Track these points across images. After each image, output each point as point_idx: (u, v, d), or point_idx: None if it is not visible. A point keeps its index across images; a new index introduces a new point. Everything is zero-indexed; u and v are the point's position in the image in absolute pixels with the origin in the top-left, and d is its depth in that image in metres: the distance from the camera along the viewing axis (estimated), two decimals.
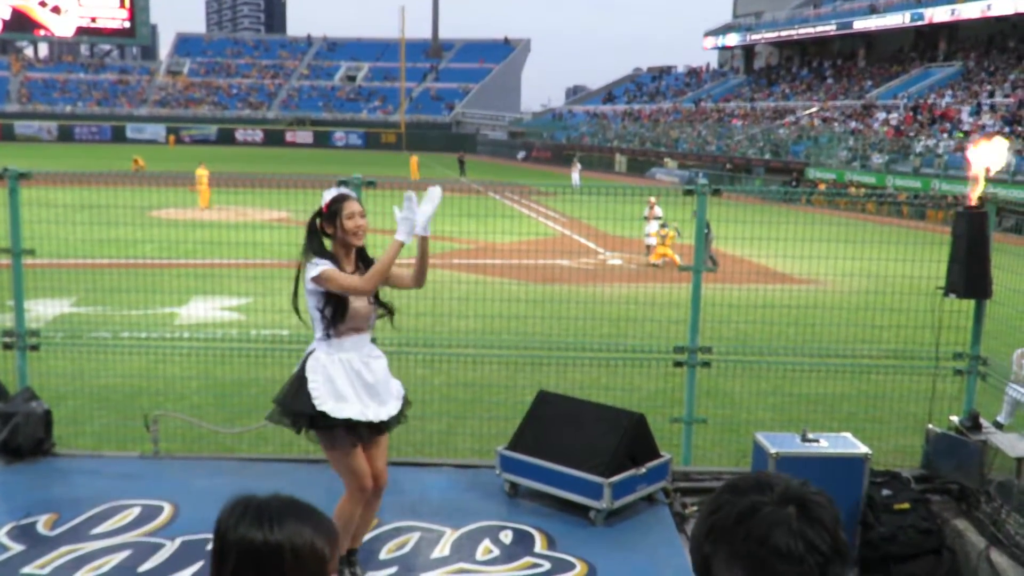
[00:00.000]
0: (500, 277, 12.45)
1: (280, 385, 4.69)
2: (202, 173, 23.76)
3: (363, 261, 4.60)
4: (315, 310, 4.44)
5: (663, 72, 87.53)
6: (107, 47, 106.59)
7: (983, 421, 6.19)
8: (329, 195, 4.53)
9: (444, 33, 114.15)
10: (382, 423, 4.51)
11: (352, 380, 4.43)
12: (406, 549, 5.15)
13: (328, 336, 4.43)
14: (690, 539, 1.44)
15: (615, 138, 69.50)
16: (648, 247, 19.91)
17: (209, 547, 4.79)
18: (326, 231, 4.51)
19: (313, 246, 4.49)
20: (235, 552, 1.60)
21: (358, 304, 4.45)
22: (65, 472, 6.20)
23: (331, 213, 4.47)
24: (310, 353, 4.50)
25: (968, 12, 51.74)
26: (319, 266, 4.36)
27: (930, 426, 6.25)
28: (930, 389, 6.45)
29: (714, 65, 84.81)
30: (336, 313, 4.39)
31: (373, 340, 4.70)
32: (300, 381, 4.43)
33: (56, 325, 10.47)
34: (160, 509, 5.49)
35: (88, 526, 5.27)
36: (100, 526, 5.26)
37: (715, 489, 1.49)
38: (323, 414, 4.34)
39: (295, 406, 4.40)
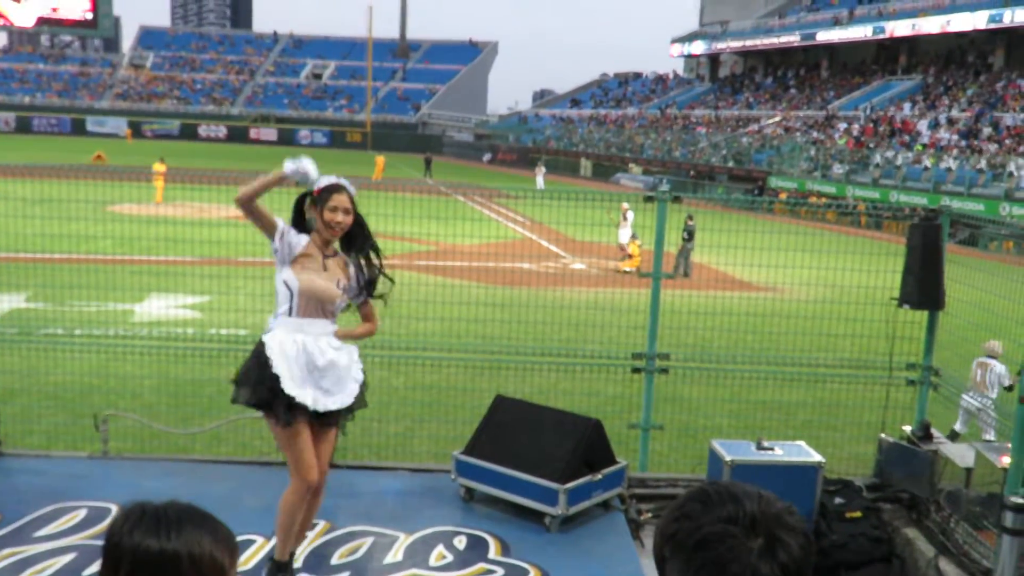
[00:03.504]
0: (462, 279, 12.42)
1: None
2: (159, 168, 23.53)
3: (347, 247, 4.56)
4: (279, 282, 4.40)
5: (629, 78, 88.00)
6: (68, 38, 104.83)
7: (934, 431, 6.28)
8: (325, 181, 4.46)
9: (412, 33, 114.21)
10: (329, 414, 4.43)
11: (302, 363, 4.35)
12: (358, 554, 5.09)
13: (289, 312, 4.39)
14: (654, 532, 1.38)
15: (581, 142, 69.73)
16: (625, 254, 20.08)
17: None
18: (308, 209, 4.50)
19: (293, 219, 4.50)
20: (128, 560, 1.52)
21: (320, 283, 4.38)
22: (11, 472, 6.06)
23: (318, 199, 4.42)
24: (272, 333, 4.43)
25: (928, 27, 52.67)
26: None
27: (883, 435, 6.33)
28: (884, 398, 6.54)
29: (680, 72, 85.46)
30: (292, 289, 4.38)
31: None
32: (260, 358, 4.35)
33: (8, 320, 10.26)
34: (107, 511, 5.38)
35: (32, 528, 5.15)
36: (45, 528, 5.15)
37: (678, 496, 1.41)
38: (282, 390, 4.28)
39: (260, 380, 4.31)
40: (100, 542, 4.87)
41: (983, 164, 35.55)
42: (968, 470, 5.60)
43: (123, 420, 7.19)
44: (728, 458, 5.56)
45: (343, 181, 4.51)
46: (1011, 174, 33.35)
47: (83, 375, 8.28)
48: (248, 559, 4.90)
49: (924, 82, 53.01)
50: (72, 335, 8.27)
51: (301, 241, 4.40)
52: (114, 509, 5.42)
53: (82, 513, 5.37)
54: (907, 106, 49.79)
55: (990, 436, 7.98)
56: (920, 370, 6.68)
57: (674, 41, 78.00)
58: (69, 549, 4.92)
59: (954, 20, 50.76)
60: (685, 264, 18.80)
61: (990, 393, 8.36)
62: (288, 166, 4.33)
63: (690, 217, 18.90)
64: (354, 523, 5.41)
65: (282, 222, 4.39)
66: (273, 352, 4.32)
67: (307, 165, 4.35)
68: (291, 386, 4.30)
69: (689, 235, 18.80)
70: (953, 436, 8.30)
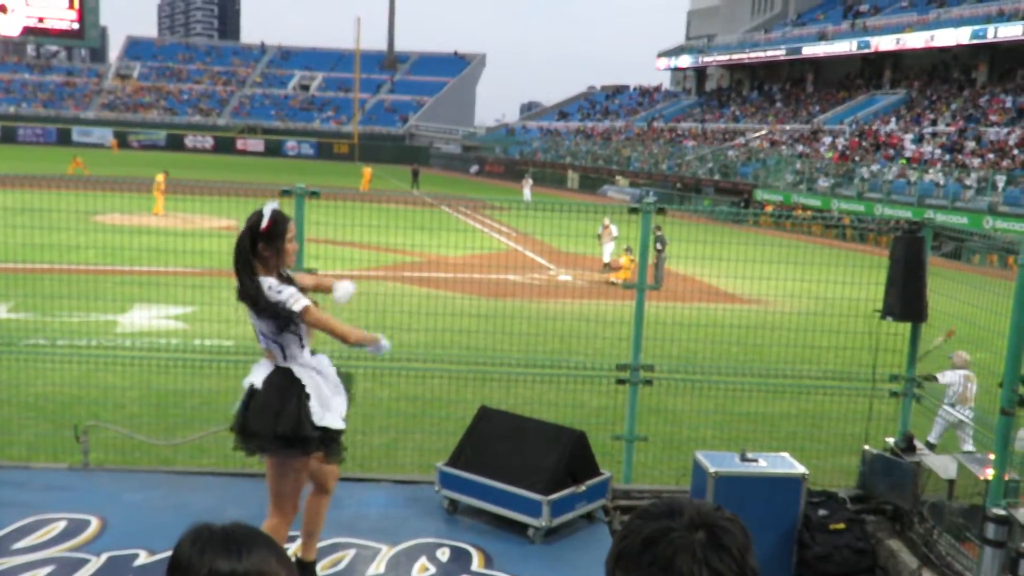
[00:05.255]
0: (449, 291, 12.40)
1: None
2: (160, 179, 23.72)
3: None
4: (290, 334, 4.28)
5: (616, 91, 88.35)
6: (54, 48, 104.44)
7: (917, 443, 6.30)
8: (269, 214, 4.24)
9: (400, 45, 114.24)
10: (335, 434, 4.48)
11: (331, 385, 4.41)
12: (340, 566, 5.07)
13: (301, 350, 4.35)
14: (606, 560, 1.43)
15: (568, 155, 69.90)
16: (606, 264, 20.41)
17: (136, 563, 4.61)
18: (261, 251, 4.25)
19: (254, 269, 4.24)
20: None
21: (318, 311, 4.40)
22: None
23: (273, 234, 4.21)
24: (291, 371, 4.32)
25: (912, 42, 53.13)
26: (296, 298, 4.18)
27: (866, 447, 6.35)
28: (867, 410, 6.56)
29: (667, 86, 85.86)
30: (302, 332, 4.36)
31: (313, 351, 4.62)
32: (297, 402, 4.25)
33: None
34: (87, 523, 5.32)
35: (9, 541, 5.10)
36: (22, 541, 5.09)
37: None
38: (325, 428, 4.28)
39: (302, 431, 4.22)
40: (78, 555, 4.81)
41: (971, 180, 35.81)
42: (951, 482, 5.62)
43: (105, 431, 7.14)
44: (712, 470, 5.56)
45: (277, 206, 4.36)
46: (998, 187, 33.62)
47: (65, 386, 8.22)
48: None
49: (908, 96, 53.44)
50: (55, 345, 8.22)
51: (284, 288, 4.24)
52: (94, 521, 5.37)
53: (61, 525, 5.31)
54: (892, 120, 50.17)
55: (968, 447, 8.04)
56: (903, 382, 6.71)
57: (661, 54, 78.36)
58: (47, 562, 4.87)
59: (938, 35, 51.22)
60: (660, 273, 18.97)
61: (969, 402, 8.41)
62: (382, 345, 4.50)
63: (657, 227, 19.03)
64: (336, 535, 5.37)
65: (296, 299, 4.22)
66: (312, 393, 4.29)
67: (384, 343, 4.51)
68: (333, 419, 4.32)
69: (662, 244, 19.00)
70: (929, 447, 8.34)
